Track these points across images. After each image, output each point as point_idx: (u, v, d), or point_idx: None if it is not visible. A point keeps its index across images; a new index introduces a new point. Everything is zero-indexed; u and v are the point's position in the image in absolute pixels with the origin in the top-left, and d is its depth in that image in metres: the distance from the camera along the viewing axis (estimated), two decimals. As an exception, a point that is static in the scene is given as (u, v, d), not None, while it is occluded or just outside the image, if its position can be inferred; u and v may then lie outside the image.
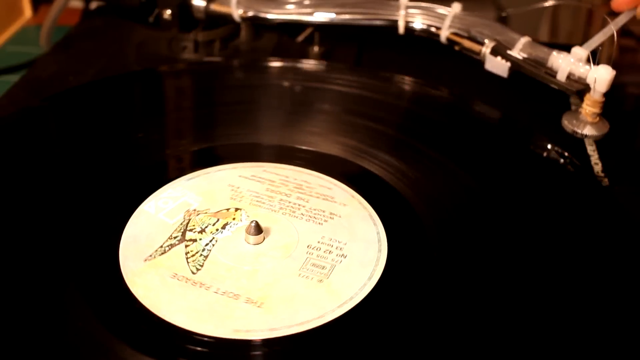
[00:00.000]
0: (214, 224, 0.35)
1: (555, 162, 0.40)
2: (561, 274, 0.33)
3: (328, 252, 0.34)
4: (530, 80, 0.45)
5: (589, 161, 0.42)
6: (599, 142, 0.43)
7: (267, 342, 0.29)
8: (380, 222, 0.35)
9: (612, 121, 0.43)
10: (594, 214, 0.36)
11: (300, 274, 0.32)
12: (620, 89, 0.50)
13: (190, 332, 0.29)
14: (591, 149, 0.43)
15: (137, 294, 0.31)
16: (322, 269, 0.33)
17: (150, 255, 0.33)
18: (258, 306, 0.31)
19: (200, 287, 0.32)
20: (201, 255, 0.33)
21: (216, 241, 0.34)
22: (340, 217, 0.36)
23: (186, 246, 0.34)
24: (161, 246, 0.34)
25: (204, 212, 0.36)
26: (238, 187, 0.38)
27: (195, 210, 0.36)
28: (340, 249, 0.34)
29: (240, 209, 0.36)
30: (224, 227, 0.35)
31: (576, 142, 0.43)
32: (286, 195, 0.37)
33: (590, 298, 0.31)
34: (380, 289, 0.32)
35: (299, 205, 0.37)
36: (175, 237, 0.34)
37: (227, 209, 0.36)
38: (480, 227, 0.35)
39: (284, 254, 0.33)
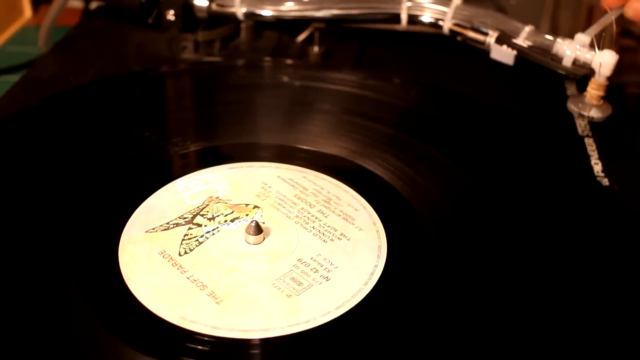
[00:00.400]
0: (225, 215, 0.36)
1: (555, 161, 0.40)
2: (561, 274, 0.32)
3: (314, 270, 0.33)
4: (529, 79, 0.48)
5: (589, 161, 0.42)
6: (599, 142, 0.44)
7: (202, 337, 0.29)
8: (385, 256, 0.34)
9: (612, 121, 0.45)
10: (594, 214, 0.36)
11: (274, 284, 0.32)
12: (620, 89, 0.51)
13: (142, 306, 0.30)
14: (591, 149, 0.43)
15: (121, 260, 0.33)
16: (299, 285, 0.32)
17: (153, 229, 0.35)
18: (217, 302, 0.31)
19: (178, 269, 0.32)
20: (197, 240, 0.34)
21: (218, 231, 0.35)
22: (348, 239, 0.35)
23: (189, 229, 0.35)
24: (167, 222, 0.35)
25: (225, 201, 0.37)
26: (270, 187, 0.38)
27: (217, 197, 0.37)
28: (329, 270, 0.33)
29: (258, 208, 0.36)
30: (232, 221, 0.36)
31: (576, 142, 0.44)
32: (310, 205, 0.37)
33: (590, 298, 0.31)
34: (342, 321, 0.30)
35: (316, 218, 0.36)
36: (184, 218, 0.36)
37: (246, 204, 0.37)
38: (482, 243, 0.34)
39: (272, 260, 0.33)
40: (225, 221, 0.35)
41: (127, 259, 0.33)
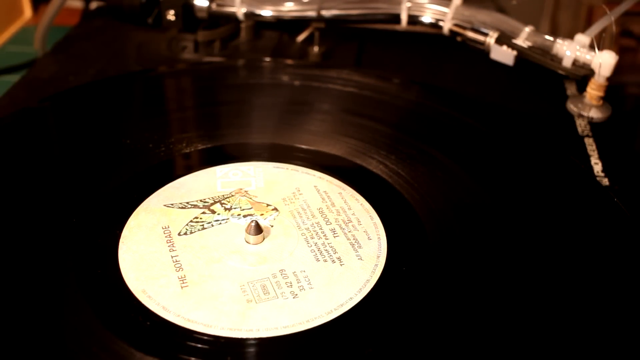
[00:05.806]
0: (242, 209, 0.36)
1: (555, 161, 0.40)
2: (561, 274, 0.33)
3: (289, 284, 0.32)
4: (529, 79, 0.49)
5: (589, 161, 0.42)
6: (599, 142, 0.44)
7: (147, 313, 0.30)
8: (367, 291, 0.32)
9: (612, 121, 0.45)
10: (594, 214, 0.36)
11: (242, 286, 0.32)
12: (620, 89, 0.52)
13: (117, 269, 0.32)
14: (591, 149, 0.43)
15: (128, 224, 0.35)
16: (265, 294, 0.31)
17: (172, 204, 0.36)
18: (182, 286, 0.32)
19: (169, 246, 0.34)
20: (202, 225, 0.35)
21: (226, 222, 0.36)
22: (341, 265, 0.33)
23: (202, 213, 0.36)
24: (188, 202, 0.37)
25: (250, 197, 0.37)
26: (301, 194, 0.38)
27: (246, 191, 0.38)
28: (302, 289, 0.32)
29: (277, 211, 0.37)
30: (245, 216, 0.36)
31: (576, 142, 0.44)
32: (327, 223, 0.36)
33: (590, 298, 0.31)
34: (281, 341, 0.29)
35: (324, 235, 0.35)
36: (204, 202, 0.37)
37: (267, 205, 0.37)
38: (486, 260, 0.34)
39: (256, 262, 0.33)
40: (239, 215, 0.36)
41: (133, 224, 0.35)
